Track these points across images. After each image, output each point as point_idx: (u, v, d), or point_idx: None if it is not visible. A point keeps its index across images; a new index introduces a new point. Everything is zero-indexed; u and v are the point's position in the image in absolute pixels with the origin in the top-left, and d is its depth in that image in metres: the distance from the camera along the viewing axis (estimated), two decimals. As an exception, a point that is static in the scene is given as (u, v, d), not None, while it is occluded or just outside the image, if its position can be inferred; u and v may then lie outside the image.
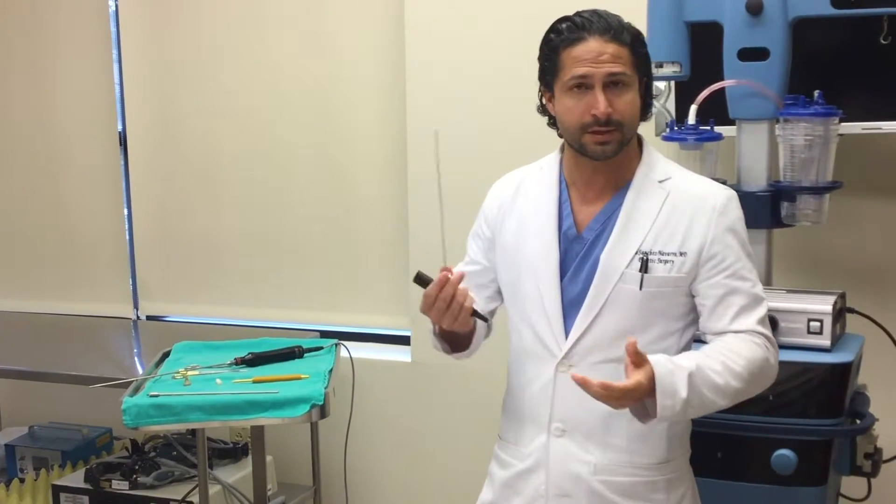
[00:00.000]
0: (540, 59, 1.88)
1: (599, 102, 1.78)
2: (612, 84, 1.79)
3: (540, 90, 1.92)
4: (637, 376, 1.67)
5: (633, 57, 1.81)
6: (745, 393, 1.82)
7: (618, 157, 1.85)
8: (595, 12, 1.82)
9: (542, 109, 1.93)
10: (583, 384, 1.67)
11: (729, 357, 1.78)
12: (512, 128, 2.99)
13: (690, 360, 1.76)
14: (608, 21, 1.80)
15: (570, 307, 1.87)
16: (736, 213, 1.87)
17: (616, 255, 1.84)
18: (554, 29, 1.85)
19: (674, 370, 1.72)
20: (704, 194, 1.86)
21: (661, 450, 1.89)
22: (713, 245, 1.83)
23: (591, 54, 1.78)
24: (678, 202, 1.85)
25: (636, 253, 1.84)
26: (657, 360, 1.72)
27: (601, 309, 1.84)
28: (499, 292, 2.03)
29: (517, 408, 1.96)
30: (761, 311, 1.85)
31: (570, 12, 1.87)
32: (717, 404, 1.78)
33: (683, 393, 1.71)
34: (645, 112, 1.89)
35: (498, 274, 2.00)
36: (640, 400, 1.70)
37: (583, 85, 1.79)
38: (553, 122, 1.94)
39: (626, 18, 1.90)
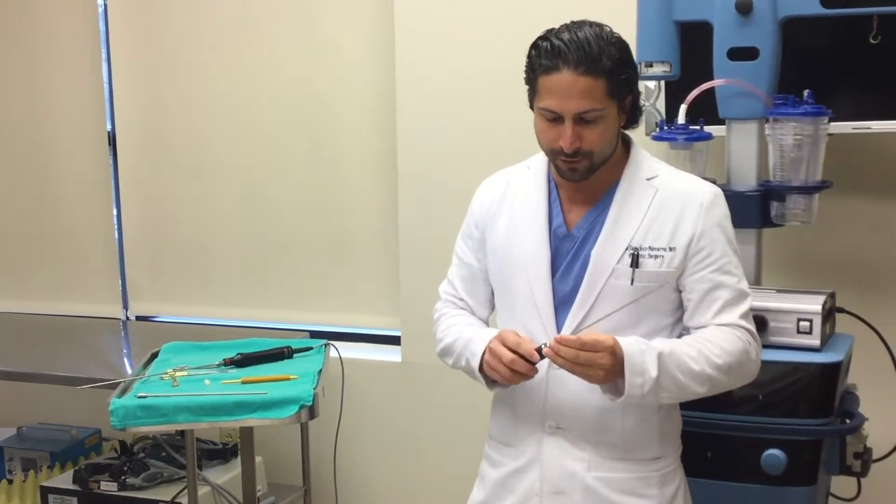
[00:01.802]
0: (525, 68, 1.88)
1: (566, 138, 1.79)
2: (583, 119, 1.78)
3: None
4: (596, 335, 1.73)
5: (609, 86, 1.78)
6: (724, 384, 1.84)
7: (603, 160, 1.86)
8: (574, 38, 1.76)
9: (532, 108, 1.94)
10: (552, 357, 1.73)
11: (705, 346, 1.80)
12: (502, 126, 2.99)
13: (665, 343, 1.80)
14: (585, 51, 1.75)
15: (562, 305, 1.89)
16: (722, 209, 1.89)
17: (607, 252, 1.85)
18: (536, 45, 1.82)
19: (645, 350, 1.76)
20: (692, 191, 1.88)
21: (654, 445, 1.90)
22: (701, 239, 1.85)
23: (562, 88, 1.76)
24: (666, 199, 1.87)
25: (626, 249, 1.85)
26: (629, 340, 1.76)
27: (593, 305, 1.85)
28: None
29: (509, 407, 1.96)
30: (745, 307, 1.87)
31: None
32: (693, 390, 1.80)
33: (653, 372, 1.74)
34: (630, 124, 1.90)
35: (489, 274, 2.01)
36: (609, 369, 1.72)
37: (553, 116, 1.80)
38: None
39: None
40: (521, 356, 1.77)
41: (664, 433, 1.92)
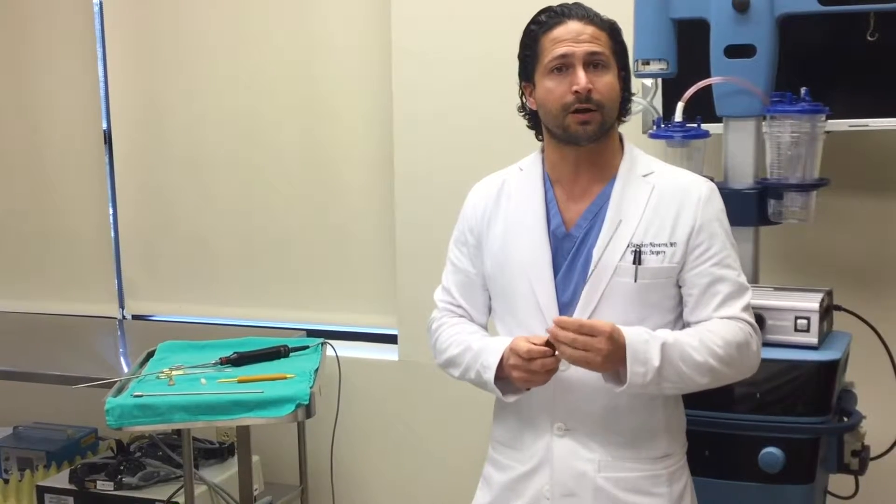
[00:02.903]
0: (520, 53, 1.91)
1: (580, 79, 1.80)
2: (593, 65, 1.82)
3: (520, 87, 1.94)
4: (595, 321, 1.74)
5: (611, 42, 1.85)
6: (725, 375, 1.84)
7: (601, 150, 1.87)
8: (576, 3, 1.89)
9: (523, 107, 1.95)
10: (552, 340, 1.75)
11: (708, 336, 1.80)
12: (500, 125, 2.96)
13: (668, 334, 1.80)
14: (586, 9, 1.87)
15: (565, 306, 1.88)
16: (719, 203, 1.90)
17: (609, 250, 1.84)
18: (534, 20, 1.89)
19: (648, 339, 1.76)
20: (688, 186, 1.89)
21: (662, 443, 1.90)
22: (700, 233, 1.85)
23: (571, 34, 1.82)
24: (663, 194, 1.87)
25: (628, 246, 1.84)
26: (632, 329, 1.77)
27: (597, 304, 1.85)
28: None
29: (515, 410, 1.94)
30: (745, 300, 1.87)
31: (556, 2, 1.91)
32: (695, 381, 1.80)
33: (656, 361, 1.75)
34: (624, 106, 1.91)
35: (487, 279, 1.99)
36: (607, 353, 1.72)
37: (563, 66, 1.82)
38: (532, 124, 1.96)
39: (614, 15, 1.92)
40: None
41: (671, 431, 1.92)
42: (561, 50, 1.81)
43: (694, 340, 1.79)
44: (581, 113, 1.81)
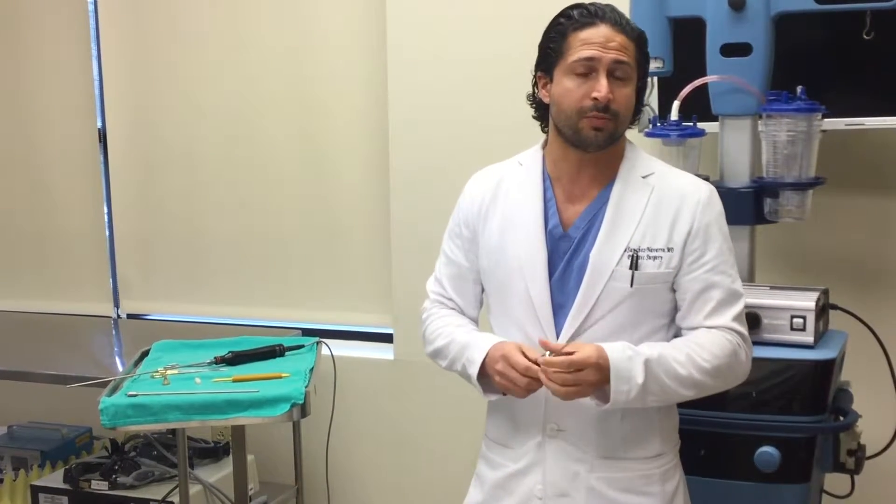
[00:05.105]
0: (543, 43, 1.89)
1: (602, 86, 1.79)
2: (615, 76, 1.80)
3: (535, 77, 1.92)
4: (581, 354, 1.73)
5: (637, 53, 1.84)
6: (712, 387, 1.84)
7: (605, 155, 1.86)
8: (608, 5, 1.85)
9: (533, 98, 1.93)
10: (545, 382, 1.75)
11: (694, 350, 1.80)
12: (496, 122, 2.98)
13: (653, 348, 1.80)
14: (619, 14, 1.84)
15: (560, 307, 1.87)
16: (718, 207, 1.89)
17: (606, 254, 1.83)
18: (564, 14, 1.86)
19: (632, 356, 1.76)
20: (688, 189, 1.87)
21: (655, 443, 1.90)
22: (696, 238, 1.84)
23: (601, 39, 1.80)
24: (663, 197, 1.86)
25: (625, 250, 1.83)
26: (615, 346, 1.76)
27: (592, 307, 1.84)
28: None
29: (508, 409, 1.94)
30: (738, 308, 1.86)
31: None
32: (680, 394, 1.81)
33: (640, 379, 1.75)
34: (635, 115, 1.90)
35: (482, 274, 1.98)
36: (597, 383, 1.74)
37: (587, 69, 1.80)
38: (539, 115, 1.94)
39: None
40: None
41: (664, 430, 1.92)
42: (588, 52, 1.79)
43: (680, 354, 1.79)
44: (596, 118, 1.80)
